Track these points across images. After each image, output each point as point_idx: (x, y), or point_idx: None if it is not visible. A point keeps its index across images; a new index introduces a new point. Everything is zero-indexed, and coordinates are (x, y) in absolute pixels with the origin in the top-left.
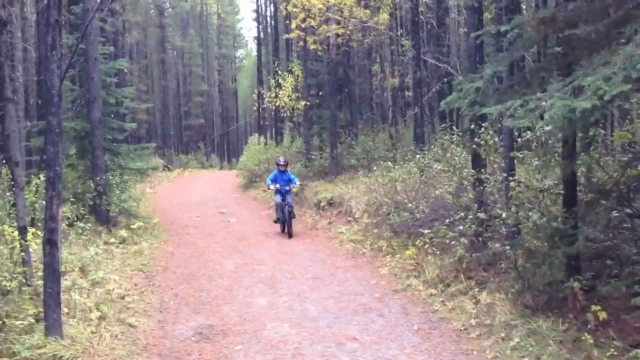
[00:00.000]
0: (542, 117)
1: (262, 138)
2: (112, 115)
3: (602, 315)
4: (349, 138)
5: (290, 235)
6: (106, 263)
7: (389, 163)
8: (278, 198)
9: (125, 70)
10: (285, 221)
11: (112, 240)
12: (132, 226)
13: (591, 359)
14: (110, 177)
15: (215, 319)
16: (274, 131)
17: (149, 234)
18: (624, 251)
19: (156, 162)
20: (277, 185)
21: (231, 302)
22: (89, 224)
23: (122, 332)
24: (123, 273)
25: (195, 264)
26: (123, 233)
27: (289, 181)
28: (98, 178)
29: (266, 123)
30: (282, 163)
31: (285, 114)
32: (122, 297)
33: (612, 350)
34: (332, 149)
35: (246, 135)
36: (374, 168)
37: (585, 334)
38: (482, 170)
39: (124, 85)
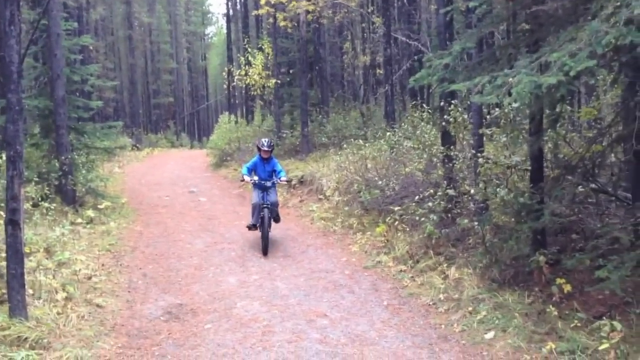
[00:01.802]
0: (509, 94)
1: (232, 117)
2: (77, 94)
3: (567, 288)
4: (320, 116)
5: (265, 252)
6: (73, 243)
7: (360, 141)
8: (256, 195)
9: (90, 47)
10: (263, 231)
11: (79, 220)
12: (99, 206)
13: (555, 331)
14: (76, 156)
15: (185, 298)
16: (244, 110)
17: (117, 214)
18: (588, 225)
19: (124, 141)
20: (256, 178)
21: (201, 281)
22: (55, 204)
23: (89, 313)
24: (90, 253)
25: (165, 244)
26: (90, 213)
27: (273, 173)
28: (63, 157)
29: (236, 101)
30: (266, 148)
31: (255, 92)
32: (89, 278)
33: (576, 321)
34: (303, 127)
35: (216, 114)
36: (345, 146)
37: (550, 306)
38: (452, 147)
39: (89, 62)
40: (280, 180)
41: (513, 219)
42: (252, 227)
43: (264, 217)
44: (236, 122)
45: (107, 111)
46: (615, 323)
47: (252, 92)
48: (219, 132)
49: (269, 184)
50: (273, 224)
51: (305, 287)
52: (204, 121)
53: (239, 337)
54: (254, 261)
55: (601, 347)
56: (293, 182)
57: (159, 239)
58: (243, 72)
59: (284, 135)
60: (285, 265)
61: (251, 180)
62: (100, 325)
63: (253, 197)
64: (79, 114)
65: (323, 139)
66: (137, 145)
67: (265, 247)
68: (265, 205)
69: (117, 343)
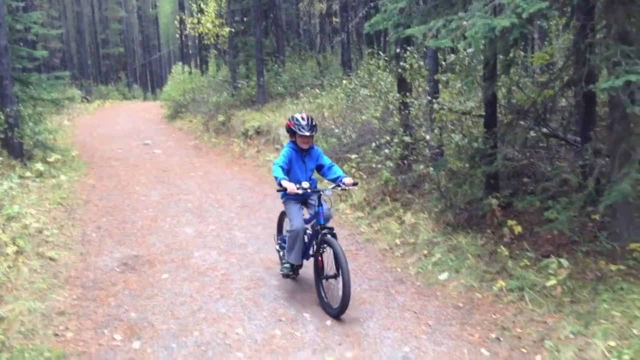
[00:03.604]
0: (464, 37)
1: (186, 67)
2: (21, 43)
3: (518, 229)
4: (276, 66)
5: (339, 314)
6: (22, 197)
7: (317, 90)
8: (296, 212)
9: None
10: (319, 282)
11: (28, 174)
12: (49, 159)
13: (506, 270)
14: (22, 108)
15: (141, 250)
16: (198, 60)
17: (67, 167)
18: (539, 169)
19: (73, 93)
20: (295, 187)
21: (157, 232)
22: (1, 158)
23: (42, 266)
24: (41, 207)
25: (119, 196)
26: (39, 166)
27: (321, 170)
28: (8, 109)
29: (190, 51)
30: (307, 131)
31: (209, 42)
32: (41, 231)
33: (526, 260)
34: (259, 77)
35: (170, 65)
36: (302, 95)
37: (502, 247)
38: (408, 94)
39: (32, 10)
40: (345, 184)
41: (467, 164)
42: (292, 273)
43: (325, 253)
44: (190, 72)
45: (54, 62)
46: (562, 261)
47: (206, 42)
48: (172, 83)
49: (313, 198)
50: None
51: (264, 236)
52: (156, 72)
53: (196, 286)
54: (211, 211)
55: (548, 284)
56: (250, 133)
57: (112, 191)
58: (195, 20)
59: (240, 85)
60: (242, 215)
61: (300, 189)
62: (54, 278)
63: (291, 214)
64: (23, 64)
65: (279, 88)
66: (87, 97)
67: (344, 307)
68: (316, 227)
69: (71, 295)
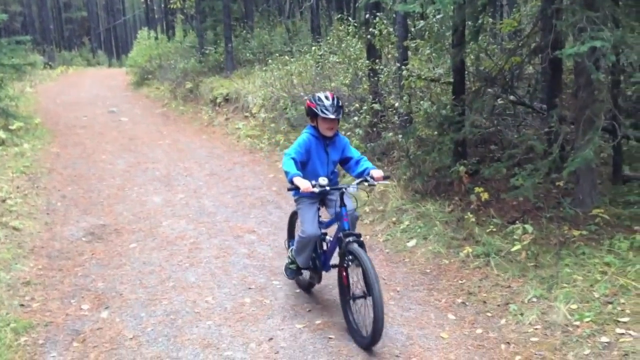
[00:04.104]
0: (432, 2)
1: (152, 32)
2: None
3: (485, 196)
4: (245, 31)
5: (372, 343)
6: None
7: (286, 57)
8: (309, 215)
9: None
10: (345, 303)
11: None
12: (10, 127)
13: (473, 236)
14: None
15: (108, 219)
16: (164, 25)
17: (31, 135)
18: (506, 136)
19: (35, 59)
20: (311, 185)
21: (124, 201)
22: None
23: (6, 236)
24: (3, 176)
25: (84, 165)
26: (0, 134)
27: (347, 164)
28: None
29: (156, 16)
30: (332, 114)
31: (175, 6)
32: (3, 201)
33: (492, 227)
34: (227, 43)
35: (135, 30)
36: (271, 62)
37: (469, 213)
38: (377, 61)
39: None
40: (374, 178)
41: (436, 132)
42: (310, 284)
43: (350, 266)
44: (156, 38)
45: (14, 26)
46: (527, 226)
47: (172, 6)
48: (138, 49)
49: (333, 195)
50: None
51: (233, 204)
52: (121, 38)
53: (165, 255)
54: (179, 180)
55: (513, 249)
56: (218, 100)
57: (77, 160)
58: None
59: (207, 51)
60: (211, 183)
61: (317, 187)
62: (18, 248)
63: (302, 216)
64: None
65: (248, 55)
66: (50, 63)
67: (377, 336)
68: (341, 235)
69: (37, 265)
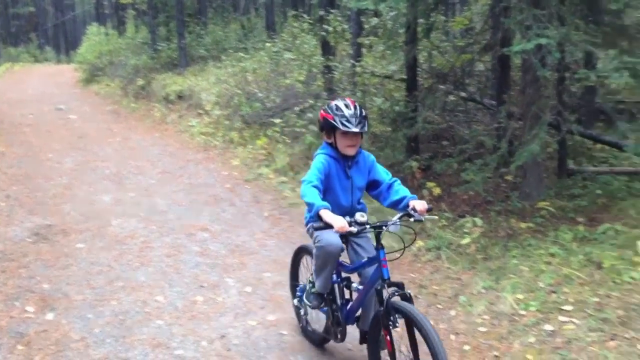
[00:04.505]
0: None
1: (102, 28)
2: None
3: (437, 190)
4: (198, 28)
5: None
6: None
7: (240, 53)
8: (328, 232)
9: None
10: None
11: None
12: None
13: (425, 230)
14: None
15: (54, 219)
16: (115, 20)
17: None
18: (458, 132)
19: None
20: (347, 223)
21: (72, 200)
22: None
23: None
24: None
25: (30, 164)
26: None
27: (376, 190)
28: None
29: (106, 11)
30: (354, 126)
31: (126, 1)
32: None
33: (444, 221)
34: (180, 39)
35: (85, 26)
36: (225, 59)
37: None
38: (331, 57)
39: None
40: (417, 211)
41: (389, 128)
42: (324, 339)
43: (396, 328)
44: (107, 34)
45: None
46: (476, 220)
47: (123, 1)
48: (87, 45)
49: (365, 237)
50: None
51: (185, 202)
52: (71, 34)
53: (114, 254)
54: (130, 179)
55: (463, 242)
56: (171, 97)
57: (23, 159)
58: None
59: (160, 47)
60: (163, 181)
61: (354, 225)
62: None
63: (321, 238)
64: None
65: (201, 51)
66: None
67: None
68: (389, 287)
69: None
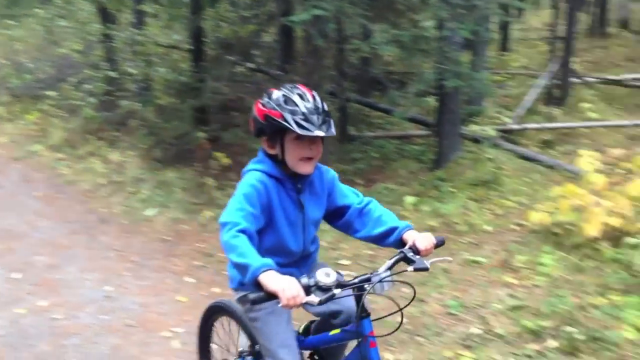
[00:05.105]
0: None
1: None
2: None
3: (225, 160)
4: None
5: None
6: None
7: (7, 21)
8: (279, 326)
9: None
10: None
11: None
12: None
13: (213, 200)
14: None
15: None
16: None
17: None
18: (246, 103)
19: None
20: (302, 288)
21: None
22: None
23: None
24: None
25: None
26: None
27: (342, 219)
28: None
29: None
30: (316, 128)
31: None
32: None
33: (231, 189)
34: None
35: None
36: None
37: (209, 178)
38: (111, 25)
39: None
40: (422, 253)
41: (176, 99)
42: None
43: None
44: None
45: None
46: None
47: None
48: None
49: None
50: None
51: None
52: None
53: None
54: None
55: None
56: None
57: None
58: None
59: None
60: None
61: (315, 292)
62: None
63: (269, 339)
64: None
65: None
66: None
67: None
68: None
69: None
